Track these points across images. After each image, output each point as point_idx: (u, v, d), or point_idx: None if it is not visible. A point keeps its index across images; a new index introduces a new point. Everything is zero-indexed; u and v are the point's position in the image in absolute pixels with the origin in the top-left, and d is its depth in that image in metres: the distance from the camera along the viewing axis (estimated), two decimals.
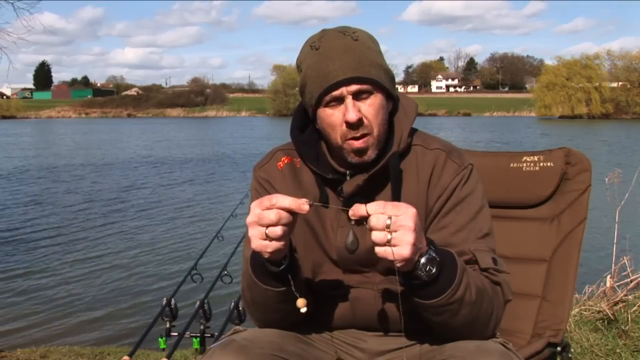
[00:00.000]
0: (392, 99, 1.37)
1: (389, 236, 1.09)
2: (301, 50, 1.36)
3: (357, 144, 1.29)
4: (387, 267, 1.36)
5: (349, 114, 1.27)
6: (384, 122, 1.33)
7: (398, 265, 1.11)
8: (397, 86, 1.41)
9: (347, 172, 1.36)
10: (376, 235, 1.09)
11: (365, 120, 1.28)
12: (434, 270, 1.16)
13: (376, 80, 1.29)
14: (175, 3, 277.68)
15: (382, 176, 1.34)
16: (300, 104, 1.44)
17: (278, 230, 1.13)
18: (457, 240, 1.31)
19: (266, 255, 1.18)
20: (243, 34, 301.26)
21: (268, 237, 1.14)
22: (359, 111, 1.27)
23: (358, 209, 1.11)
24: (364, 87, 1.28)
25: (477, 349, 1.20)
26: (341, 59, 1.27)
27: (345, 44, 1.29)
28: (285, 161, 1.45)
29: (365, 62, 1.28)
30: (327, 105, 1.30)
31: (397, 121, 1.38)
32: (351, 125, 1.27)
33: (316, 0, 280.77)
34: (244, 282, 1.34)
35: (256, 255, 1.24)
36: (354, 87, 1.27)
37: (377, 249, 1.10)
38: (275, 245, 1.15)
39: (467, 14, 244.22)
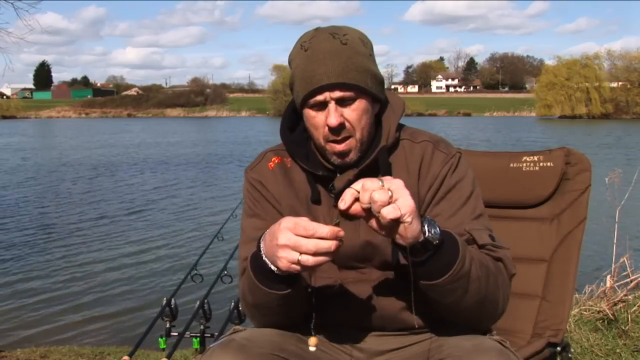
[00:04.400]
0: (379, 102, 1.38)
1: (389, 192, 1.07)
2: (294, 46, 1.37)
3: (339, 147, 1.32)
4: (383, 261, 1.37)
5: (330, 119, 1.29)
6: (368, 125, 1.34)
7: (406, 222, 1.08)
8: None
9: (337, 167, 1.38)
10: (379, 195, 1.06)
11: (347, 124, 1.30)
12: (439, 231, 1.15)
13: (361, 86, 1.30)
14: (178, 3, 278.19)
15: (372, 171, 1.33)
16: (288, 106, 1.46)
17: (310, 261, 1.11)
18: (451, 225, 1.30)
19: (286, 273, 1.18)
20: (245, 34, 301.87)
21: (299, 263, 1.12)
22: (341, 116, 1.29)
23: (345, 196, 1.09)
24: (347, 94, 1.29)
25: (474, 347, 1.20)
26: (327, 64, 1.28)
27: (333, 47, 1.29)
28: (276, 161, 1.47)
29: (351, 67, 1.28)
30: (311, 107, 1.32)
31: (385, 118, 1.40)
32: (332, 130, 1.30)
33: (319, 0, 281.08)
34: (245, 284, 1.33)
35: (258, 258, 1.23)
36: (337, 94, 1.28)
37: (385, 211, 1.06)
38: (303, 270, 1.14)
39: (470, 14, 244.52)
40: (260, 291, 1.26)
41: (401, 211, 1.07)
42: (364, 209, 1.09)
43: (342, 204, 1.10)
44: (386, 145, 1.36)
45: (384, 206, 1.06)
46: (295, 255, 1.12)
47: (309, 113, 1.34)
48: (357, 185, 1.10)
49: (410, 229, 1.10)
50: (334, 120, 1.28)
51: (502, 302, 1.30)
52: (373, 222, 1.11)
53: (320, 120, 1.32)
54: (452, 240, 1.19)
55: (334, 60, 1.28)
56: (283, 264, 1.15)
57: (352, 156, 1.34)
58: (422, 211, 1.36)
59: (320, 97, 1.29)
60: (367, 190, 1.07)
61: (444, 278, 1.17)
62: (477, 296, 1.23)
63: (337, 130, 1.30)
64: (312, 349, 1.20)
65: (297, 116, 1.42)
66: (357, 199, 1.09)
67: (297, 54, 1.34)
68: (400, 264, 1.34)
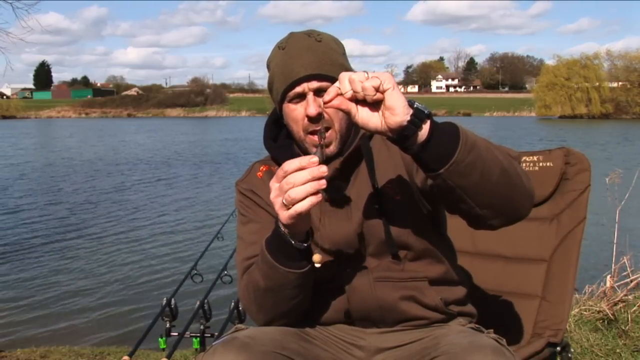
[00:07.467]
0: None
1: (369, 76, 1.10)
2: (271, 51, 1.45)
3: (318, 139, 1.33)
4: (379, 245, 1.38)
5: (309, 109, 1.35)
6: (345, 116, 1.33)
7: (388, 87, 1.09)
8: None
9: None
10: (369, 82, 1.09)
11: (325, 115, 1.34)
12: (425, 110, 1.14)
13: (336, 78, 1.30)
14: (181, 3, 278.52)
15: (356, 158, 1.42)
16: (268, 119, 1.53)
17: (294, 193, 1.11)
18: None
19: (290, 227, 1.20)
20: (247, 34, 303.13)
21: (285, 206, 1.13)
22: (320, 106, 1.32)
23: (330, 89, 1.13)
24: (324, 84, 1.34)
25: (470, 344, 1.20)
26: (303, 58, 1.36)
27: (309, 44, 1.38)
28: (264, 169, 1.53)
29: (326, 61, 1.37)
30: (290, 101, 1.38)
31: None
32: (312, 119, 1.35)
33: (322, 0, 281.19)
34: (258, 271, 1.34)
35: (275, 236, 1.26)
36: (315, 84, 1.35)
37: (366, 82, 1.09)
38: (300, 214, 1.13)
39: (472, 14, 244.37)
40: (277, 272, 1.28)
41: (380, 78, 1.09)
42: (348, 98, 1.11)
43: (326, 96, 1.13)
44: (366, 134, 1.40)
45: (370, 93, 1.09)
46: (281, 199, 1.14)
47: (288, 107, 1.39)
48: (340, 82, 1.13)
49: (395, 95, 1.09)
50: (312, 110, 1.33)
51: (524, 177, 1.25)
52: (356, 113, 1.13)
53: (300, 113, 1.37)
54: (441, 123, 1.17)
55: (310, 55, 1.36)
56: (284, 217, 1.16)
57: (333, 149, 1.39)
58: (415, 170, 1.38)
59: (298, 89, 1.36)
60: (353, 79, 1.10)
61: (459, 149, 1.12)
62: (497, 165, 1.18)
63: (316, 120, 1.34)
64: (317, 265, 1.25)
65: (278, 128, 1.51)
66: (340, 94, 1.13)
67: (275, 55, 1.42)
68: (397, 246, 1.37)
